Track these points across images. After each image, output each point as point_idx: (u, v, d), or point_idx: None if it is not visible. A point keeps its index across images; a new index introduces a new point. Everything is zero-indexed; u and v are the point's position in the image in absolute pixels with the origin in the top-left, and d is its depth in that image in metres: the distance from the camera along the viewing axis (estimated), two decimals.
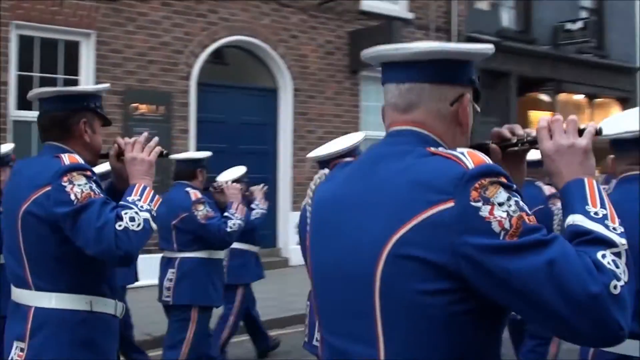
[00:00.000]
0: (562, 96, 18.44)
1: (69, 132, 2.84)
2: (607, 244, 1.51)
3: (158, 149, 2.89)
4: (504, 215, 1.45)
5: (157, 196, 2.77)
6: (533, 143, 1.87)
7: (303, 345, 4.01)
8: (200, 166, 5.45)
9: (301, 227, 3.66)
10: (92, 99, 2.90)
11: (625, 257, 1.51)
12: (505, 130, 1.94)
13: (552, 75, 17.82)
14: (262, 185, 6.64)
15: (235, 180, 5.80)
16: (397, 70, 1.72)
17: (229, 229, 5.04)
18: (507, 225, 1.44)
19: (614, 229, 1.56)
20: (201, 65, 11.59)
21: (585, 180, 1.67)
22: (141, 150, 2.83)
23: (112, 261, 2.65)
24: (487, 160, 1.54)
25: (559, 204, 2.67)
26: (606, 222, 1.57)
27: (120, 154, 2.91)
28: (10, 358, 2.69)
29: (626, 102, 20.21)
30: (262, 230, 7.54)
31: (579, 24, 17.84)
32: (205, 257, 5.24)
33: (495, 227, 1.44)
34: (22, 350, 2.66)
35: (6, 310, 4.20)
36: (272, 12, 12.44)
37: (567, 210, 1.64)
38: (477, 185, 1.47)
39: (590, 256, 1.46)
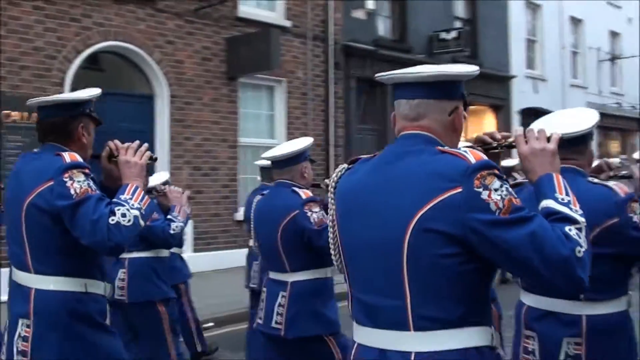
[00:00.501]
0: None
1: (68, 135, 3.23)
2: (572, 221, 2.13)
3: (148, 153, 3.27)
4: (499, 198, 2.04)
5: (147, 196, 3.13)
6: (510, 146, 2.55)
7: (257, 326, 4.43)
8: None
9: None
10: (87, 104, 3.34)
11: (584, 231, 2.12)
12: (486, 136, 2.64)
13: None
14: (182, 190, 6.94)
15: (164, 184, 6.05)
16: (408, 89, 2.27)
17: (172, 231, 5.26)
18: (501, 205, 2.03)
19: (576, 210, 2.18)
20: (75, 71, 11.55)
21: (554, 174, 2.31)
22: (134, 155, 3.22)
23: (103, 251, 3.01)
24: (484, 156, 2.12)
25: None
26: (570, 205, 2.19)
27: (111, 155, 3.31)
28: (17, 333, 3.05)
29: (500, 110, 21.39)
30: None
31: (453, 34, 18.68)
32: (152, 256, 5.50)
33: (493, 206, 2.03)
34: (28, 326, 3.04)
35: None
36: (148, 17, 12.51)
37: (540, 197, 2.27)
38: (478, 175, 2.05)
39: (560, 229, 2.07)
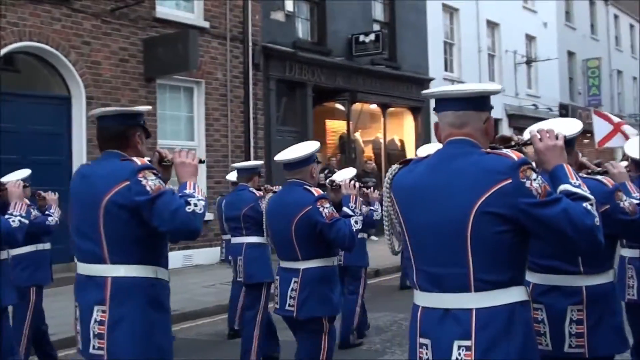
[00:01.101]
0: (357, 106, 19.75)
1: (127, 143, 3.71)
2: (587, 199, 2.78)
3: (197, 156, 3.84)
4: (537, 185, 2.67)
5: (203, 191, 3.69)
6: (526, 144, 3.22)
7: (274, 311, 5.21)
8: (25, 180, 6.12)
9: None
10: (141, 116, 3.83)
11: (595, 206, 2.77)
12: (507, 136, 3.36)
13: (347, 85, 19.08)
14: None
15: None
16: (453, 102, 2.91)
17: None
18: (540, 191, 2.67)
19: (586, 191, 2.83)
20: None
21: (564, 165, 2.97)
22: (187, 157, 3.75)
23: (182, 236, 3.55)
24: (522, 155, 2.77)
25: None
26: (582, 187, 2.84)
27: (161, 160, 3.84)
28: (93, 319, 3.48)
29: (419, 111, 21.98)
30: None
31: (371, 36, 19.20)
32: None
33: (534, 192, 2.66)
34: (103, 311, 3.46)
35: (7, 300, 5.40)
36: (64, 17, 12.53)
37: (557, 182, 2.90)
38: (521, 169, 2.67)
39: (581, 205, 2.72)
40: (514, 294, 2.72)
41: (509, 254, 2.71)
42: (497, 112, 26.80)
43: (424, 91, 3.00)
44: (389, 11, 21.59)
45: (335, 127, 20.57)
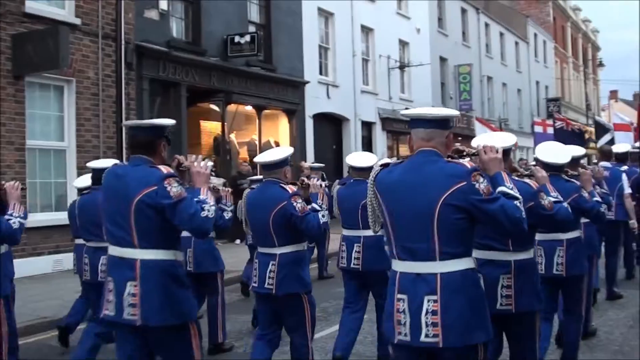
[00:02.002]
0: (232, 107, 19.95)
1: (154, 150, 4.60)
2: (516, 198, 3.89)
3: (210, 164, 4.85)
4: (483, 187, 3.74)
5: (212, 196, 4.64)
6: (475, 155, 4.26)
7: (251, 288, 6.20)
8: None
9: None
10: (166, 129, 4.71)
11: (522, 204, 3.90)
12: (460, 148, 4.32)
13: (222, 86, 19.31)
14: None
15: None
16: (424, 122, 3.95)
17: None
18: (485, 191, 3.75)
19: (516, 192, 3.95)
20: None
21: (502, 172, 4.08)
22: (201, 166, 4.67)
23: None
24: (474, 164, 3.88)
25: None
26: (514, 190, 3.95)
27: (178, 165, 4.78)
28: (126, 292, 4.38)
29: (294, 114, 22.45)
30: None
31: (247, 38, 19.49)
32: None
33: (481, 192, 3.74)
34: (135, 286, 4.37)
35: (6, 290, 6.25)
36: None
37: (496, 185, 3.93)
38: (473, 175, 3.74)
39: (512, 203, 3.83)
40: (466, 263, 3.82)
41: (462, 234, 3.80)
42: (370, 116, 27.70)
43: (403, 111, 4.30)
44: (265, 13, 21.94)
45: (210, 128, 20.76)
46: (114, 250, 4.55)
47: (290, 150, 6.35)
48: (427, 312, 3.73)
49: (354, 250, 7.18)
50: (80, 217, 7.41)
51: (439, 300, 3.72)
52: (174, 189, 4.37)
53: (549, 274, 6.34)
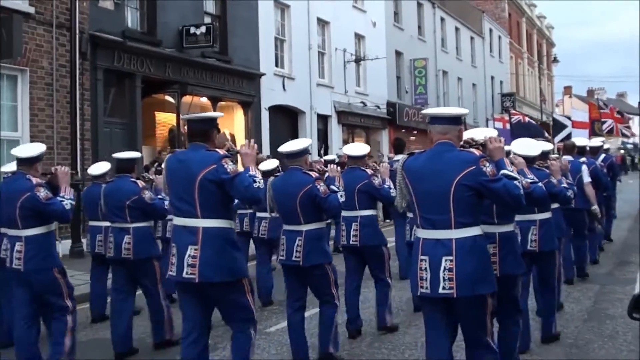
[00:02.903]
0: (187, 98, 20.01)
1: (208, 138, 5.52)
2: (516, 179, 4.88)
3: (256, 146, 5.71)
4: (489, 170, 4.74)
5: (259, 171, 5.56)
6: (482, 144, 5.18)
7: (278, 261, 7.18)
8: None
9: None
10: (216, 120, 5.67)
11: (521, 183, 4.95)
12: (469, 139, 5.24)
13: (177, 77, 19.46)
14: None
15: None
16: (442, 119, 5.00)
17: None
18: (491, 173, 4.74)
19: (516, 174, 4.97)
20: None
21: (504, 158, 5.08)
22: (248, 148, 5.58)
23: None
24: (481, 152, 4.91)
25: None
26: (514, 172, 4.97)
27: (228, 150, 5.60)
28: (187, 254, 5.31)
29: (249, 106, 22.65)
30: None
31: (202, 29, 19.65)
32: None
33: (488, 174, 4.73)
34: (195, 249, 5.30)
35: (60, 263, 6.89)
36: None
37: (499, 168, 4.87)
38: (481, 161, 4.73)
39: (513, 182, 4.81)
40: (476, 231, 4.81)
41: (473, 208, 4.79)
42: (326, 109, 27.97)
43: (424, 111, 5.53)
44: (220, 4, 22.12)
45: (165, 119, 20.84)
46: (179, 221, 5.48)
47: (309, 141, 7.46)
48: (444, 269, 4.75)
49: (352, 229, 8.19)
50: (107, 202, 8.02)
51: (454, 260, 4.74)
52: (230, 166, 5.29)
53: (524, 249, 7.08)
